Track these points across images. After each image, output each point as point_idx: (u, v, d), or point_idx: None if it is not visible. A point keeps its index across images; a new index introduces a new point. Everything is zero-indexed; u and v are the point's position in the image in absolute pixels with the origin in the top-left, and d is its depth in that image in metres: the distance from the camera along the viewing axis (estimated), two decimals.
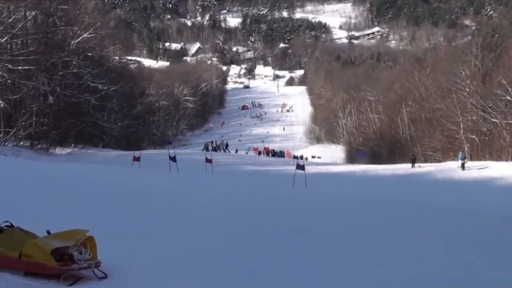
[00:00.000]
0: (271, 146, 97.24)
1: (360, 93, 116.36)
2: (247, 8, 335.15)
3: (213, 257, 9.30)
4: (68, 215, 11.65)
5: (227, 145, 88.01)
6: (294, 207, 18.70)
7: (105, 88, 59.09)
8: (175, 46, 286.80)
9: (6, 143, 43.63)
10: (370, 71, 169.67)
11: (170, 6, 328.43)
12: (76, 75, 54.97)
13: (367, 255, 10.56)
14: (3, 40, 45.89)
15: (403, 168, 50.39)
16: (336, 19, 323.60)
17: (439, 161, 59.65)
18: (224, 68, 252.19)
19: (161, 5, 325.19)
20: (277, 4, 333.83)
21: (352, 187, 33.47)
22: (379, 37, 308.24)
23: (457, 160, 47.97)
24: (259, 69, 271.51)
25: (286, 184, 29.26)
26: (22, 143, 45.98)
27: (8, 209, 9.84)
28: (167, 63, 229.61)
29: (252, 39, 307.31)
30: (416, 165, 50.55)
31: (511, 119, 55.36)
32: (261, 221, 14.51)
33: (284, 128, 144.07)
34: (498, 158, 53.63)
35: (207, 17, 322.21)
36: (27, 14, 50.43)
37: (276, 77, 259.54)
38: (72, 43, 54.64)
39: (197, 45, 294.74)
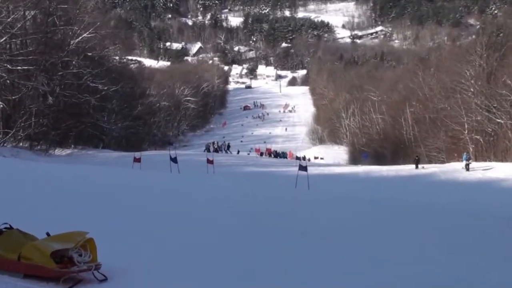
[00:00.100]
0: (273, 147, 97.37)
1: (363, 93, 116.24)
2: (248, 7, 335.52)
3: (214, 258, 9.31)
4: (67, 216, 11.67)
5: (228, 146, 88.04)
6: (296, 208, 18.71)
7: (105, 88, 59.13)
8: (176, 45, 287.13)
9: (5, 144, 43.65)
10: (373, 71, 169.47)
11: (171, 5, 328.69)
12: (76, 75, 55.03)
13: (369, 256, 10.58)
14: (2, 40, 45.92)
15: (407, 169, 50.33)
16: (339, 18, 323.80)
17: (443, 162, 59.58)
18: (226, 68, 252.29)
19: (162, 4, 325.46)
20: (279, 3, 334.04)
21: (355, 188, 33.45)
22: (382, 36, 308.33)
23: (462, 161, 47.93)
24: (261, 69, 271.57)
25: (288, 185, 29.27)
26: (21, 144, 45.99)
27: (7, 210, 9.85)
28: (168, 63, 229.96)
29: (254, 39, 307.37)
30: (420, 166, 50.51)
31: None
32: (263, 222, 14.52)
33: (286, 129, 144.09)
34: (503, 159, 53.55)
35: (208, 16, 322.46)
36: (26, 13, 50.46)
37: (278, 77, 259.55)
38: (71, 42, 54.70)
39: (198, 44, 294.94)
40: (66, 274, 7.02)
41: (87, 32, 55.34)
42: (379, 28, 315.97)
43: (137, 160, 36.61)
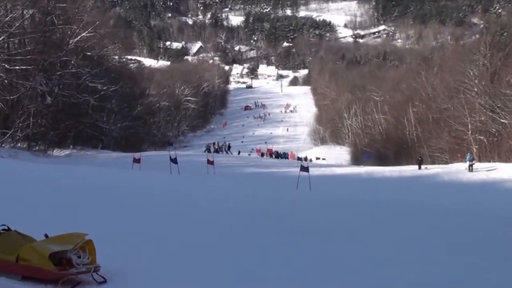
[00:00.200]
0: (275, 148, 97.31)
1: (366, 93, 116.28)
2: (249, 6, 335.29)
3: (214, 259, 9.32)
4: (66, 218, 11.67)
5: (229, 147, 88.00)
6: (297, 209, 18.70)
7: (105, 88, 59.15)
8: (176, 45, 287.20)
9: (3, 145, 43.62)
10: (376, 71, 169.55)
11: (171, 4, 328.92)
12: (75, 75, 55.03)
13: (371, 257, 10.58)
14: (0, 39, 45.97)
15: (410, 170, 50.35)
16: (341, 17, 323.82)
17: (446, 162, 59.60)
18: (226, 67, 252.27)
19: (161, 3, 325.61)
20: (280, 2, 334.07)
21: (358, 189, 33.45)
22: (385, 35, 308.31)
23: (465, 161, 47.95)
24: (262, 68, 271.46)
25: (289, 186, 29.27)
26: (19, 144, 45.98)
27: (5, 212, 9.86)
28: (168, 63, 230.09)
29: (255, 38, 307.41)
30: (423, 166, 50.52)
31: None
32: (264, 223, 14.52)
33: (287, 129, 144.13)
34: (507, 159, 53.55)
35: (208, 16, 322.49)
36: (25, 12, 50.48)
37: (280, 76, 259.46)
38: (70, 42, 54.71)
39: (198, 44, 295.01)
40: (64, 276, 7.02)
41: (86, 32, 55.35)
42: (381, 27, 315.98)
43: (137, 160, 36.59)
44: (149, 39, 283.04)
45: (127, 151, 57.71)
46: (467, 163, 46.59)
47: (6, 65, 45.86)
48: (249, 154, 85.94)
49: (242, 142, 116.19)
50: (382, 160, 77.17)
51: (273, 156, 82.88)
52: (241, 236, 12.22)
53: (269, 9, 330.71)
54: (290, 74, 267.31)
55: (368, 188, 35.13)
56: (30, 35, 50.58)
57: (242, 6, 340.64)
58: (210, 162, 37.87)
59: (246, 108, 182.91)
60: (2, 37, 46.08)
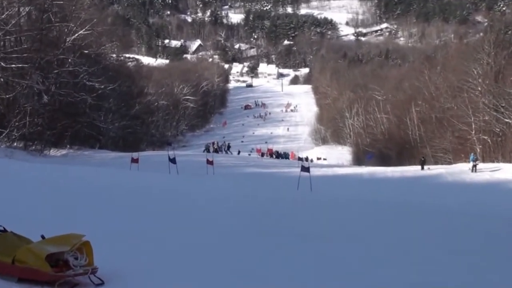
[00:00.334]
0: (275, 147, 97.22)
1: (368, 92, 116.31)
2: (249, 4, 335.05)
3: (214, 261, 9.32)
4: (63, 219, 11.68)
5: (229, 147, 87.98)
6: (298, 210, 18.72)
7: (102, 87, 59.16)
8: (175, 43, 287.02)
9: None
10: (378, 69, 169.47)
11: (170, 1, 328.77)
12: (72, 74, 55.02)
13: (372, 258, 10.59)
14: None
15: (412, 170, 50.36)
16: (343, 15, 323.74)
17: (449, 163, 59.61)
18: (226, 66, 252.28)
19: (160, 0, 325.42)
20: (281, 0, 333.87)
21: (359, 190, 33.45)
22: (387, 34, 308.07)
23: (469, 162, 47.96)
24: (262, 67, 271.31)
25: (290, 187, 29.27)
26: (15, 144, 45.95)
27: (0, 213, 9.86)
28: (167, 61, 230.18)
29: (255, 36, 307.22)
30: (425, 167, 50.53)
31: None
32: (264, 224, 14.53)
33: (288, 129, 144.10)
34: (511, 159, 53.56)
35: (208, 13, 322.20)
36: (21, 10, 50.49)
37: (280, 75, 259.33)
38: (67, 40, 54.71)
39: (197, 42, 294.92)
40: (61, 278, 7.02)
41: (84, 29, 55.36)
42: (384, 25, 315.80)
43: (135, 160, 36.59)
44: (147, 37, 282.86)
45: (125, 151, 57.69)
46: (471, 164, 46.60)
47: (2, 63, 45.91)
48: (249, 154, 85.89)
49: (242, 142, 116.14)
50: (384, 160, 77.19)
51: (274, 156, 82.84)
52: (240, 237, 12.24)
53: (269, 6, 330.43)
54: (291, 72, 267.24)
55: (370, 189, 35.12)
56: (27, 33, 50.61)
57: (242, 3, 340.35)
58: (210, 162, 37.86)
59: (246, 107, 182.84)
60: None
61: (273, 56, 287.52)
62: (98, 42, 64.06)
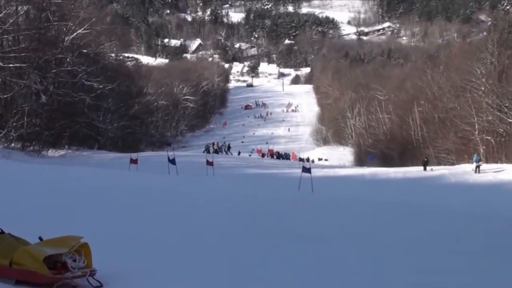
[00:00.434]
0: (276, 148, 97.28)
1: (370, 92, 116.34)
2: (250, 3, 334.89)
3: (213, 262, 9.31)
4: (61, 220, 11.67)
5: (229, 147, 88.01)
6: (299, 211, 18.71)
7: (101, 86, 59.19)
8: (175, 42, 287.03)
9: None
10: (380, 69, 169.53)
11: (169, 0, 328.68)
12: (70, 73, 55.03)
13: (374, 260, 10.59)
14: None
15: (415, 171, 50.35)
16: (344, 14, 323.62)
17: (452, 163, 59.62)
18: (226, 65, 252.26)
19: None
20: None
21: (361, 191, 33.44)
22: (389, 33, 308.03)
23: (472, 162, 47.95)
24: (263, 66, 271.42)
25: (291, 187, 29.25)
26: (13, 144, 45.97)
27: None
28: (166, 61, 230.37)
29: (256, 35, 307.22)
30: (428, 168, 50.51)
31: None
32: (265, 225, 14.52)
33: (289, 129, 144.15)
34: None
35: (208, 12, 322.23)
36: (19, 8, 50.52)
37: (281, 75, 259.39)
38: (66, 39, 54.73)
39: (197, 41, 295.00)
40: (59, 280, 7.01)
41: (82, 28, 55.40)
42: (386, 24, 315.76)
43: (134, 161, 36.59)
44: (146, 36, 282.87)
45: (124, 152, 57.76)
46: (474, 164, 46.61)
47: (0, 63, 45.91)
48: (250, 155, 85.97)
49: (243, 142, 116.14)
50: (386, 161, 77.20)
51: (274, 157, 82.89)
52: (241, 238, 12.25)
53: (270, 5, 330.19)
54: (292, 72, 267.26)
55: (372, 190, 35.12)
56: (25, 32, 50.63)
57: (243, 2, 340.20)
58: (210, 163, 37.86)
59: (247, 107, 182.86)
60: None
61: (274, 55, 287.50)
62: (97, 41, 64.12)
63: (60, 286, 7.03)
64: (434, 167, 52.53)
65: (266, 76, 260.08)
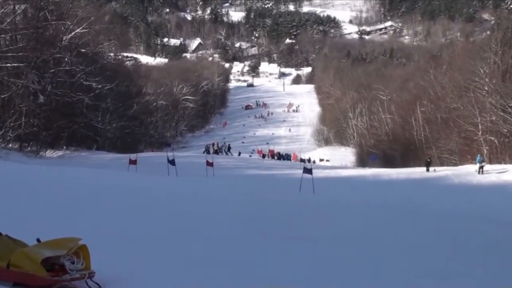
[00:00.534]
0: (277, 149, 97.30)
1: (372, 92, 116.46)
2: (251, 1, 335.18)
3: (213, 265, 9.32)
4: (59, 222, 11.67)
5: (229, 148, 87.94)
6: (300, 213, 18.70)
7: (99, 86, 59.20)
8: (174, 41, 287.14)
9: None
10: (382, 69, 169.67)
11: None
12: (69, 73, 55.03)
13: (376, 263, 10.59)
14: None
15: (418, 172, 50.31)
16: (346, 13, 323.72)
17: (455, 164, 59.53)
18: (227, 65, 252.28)
19: None
20: None
21: (363, 192, 33.43)
22: (392, 32, 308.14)
23: (475, 163, 47.88)
24: (264, 66, 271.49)
25: (292, 189, 29.24)
26: (10, 145, 45.96)
27: None
28: (166, 60, 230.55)
29: (256, 35, 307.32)
30: (431, 168, 50.46)
31: None
32: (265, 227, 14.52)
33: (290, 129, 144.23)
34: None
35: (208, 11, 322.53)
36: (16, 7, 50.44)
37: (282, 75, 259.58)
38: (64, 38, 54.72)
39: (197, 40, 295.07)
40: (57, 282, 7.01)
41: (81, 28, 55.37)
42: (388, 23, 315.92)
43: (133, 162, 36.58)
44: (146, 35, 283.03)
45: (123, 152, 57.77)
46: (477, 165, 46.52)
47: None
48: (250, 156, 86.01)
49: (243, 143, 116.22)
50: (388, 161, 77.21)
51: (275, 158, 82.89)
52: (241, 240, 12.26)
53: (271, 4, 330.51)
54: (293, 72, 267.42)
55: (374, 191, 35.11)
56: (22, 31, 50.54)
57: (243, 1, 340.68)
58: (210, 164, 37.85)
59: (247, 107, 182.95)
60: None
61: (274, 55, 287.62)
62: (96, 41, 64.12)
63: None
64: (437, 168, 52.45)
65: (266, 76, 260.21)
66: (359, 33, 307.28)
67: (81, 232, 7.91)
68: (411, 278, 9.49)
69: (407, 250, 12.63)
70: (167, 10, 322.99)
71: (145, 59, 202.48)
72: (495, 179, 43.10)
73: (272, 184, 36.22)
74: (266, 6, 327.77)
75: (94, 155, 53.92)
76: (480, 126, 59.86)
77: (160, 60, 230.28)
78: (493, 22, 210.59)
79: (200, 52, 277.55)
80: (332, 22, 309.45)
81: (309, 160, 77.20)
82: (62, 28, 54.94)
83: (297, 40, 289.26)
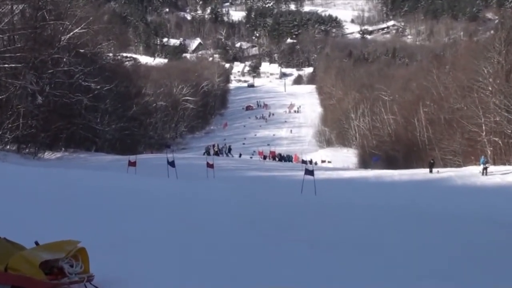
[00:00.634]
0: (278, 150, 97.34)
1: (374, 92, 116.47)
2: (251, 1, 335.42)
3: (213, 268, 9.32)
4: (58, 224, 11.67)
5: (230, 149, 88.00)
6: (302, 215, 18.68)
7: (98, 87, 59.19)
8: (174, 41, 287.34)
9: None
10: (385, 69, 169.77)
11: None
12: (67, 74, 55.04)
13: (379, 266, 10.58)
14: None
15: (421, 173, 50.30)
16: (348, 12, 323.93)
17: (459, 165, 59.49)
18: (227, 65, 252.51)
19: None
20: None
21: (366, 194, 33.41)
22: (394, 31, 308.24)
23: (479, 164, 47.85)
24: (265, 66, 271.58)
25: (293, 190, 29.25)
26: (8, 147, 45.95)
27: None
28: (165, 60, 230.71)
29: (257, 34, 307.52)
30: (434, 170, 50.45)
31: None
32: (267, 230, 14.51)
33: (291, 131, 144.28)
34: None
35: (208, 11, 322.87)
36: (14, 7, 50.45)
37: (283, 75, 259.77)
38: (62, 38, 54.72)
39: (197, 40, 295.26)
40: (56, 286, 7.00)
41: (79, 28, 55.37)
42: (390, 22, 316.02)
43: (132, 164, 36.54)
44: (145, 35, 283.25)
45: (122, 154, 57.76)
46: (481, 166, 46.46)
47: None
48: (251, 157, 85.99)
49: (244, 144, 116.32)
50: (391, 163, 77.17)
51: (276, 159, 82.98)
52: (242, 242, 12.25)
53: (272, 3, 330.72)
54: (294, 72, 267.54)
55: (377, 193, 35.08)
56: (20, 32, 50.53)
57: (244, 0, 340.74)
58: (210, 165, 37.88)
59: (248, 108, 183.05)
60: None
61: (275, 55, 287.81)
62: (94, 41, 64.11)
63: None
64: (440, 169, 52.43)
65: (267, 76, 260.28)
66: (361, 32, 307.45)
67: (80, 234, 7.91)
68: (414, 280, 9.49)
69: (410, 252, 12.63)
70: (167, 9, 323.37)
71: (144, 59, 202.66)
72: (499, 180, 43.05)
73: (273, 185, 36.23)
74: (267, 6, 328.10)
75: (93, 156, 53.93)
76: (484, 127, 59.82)
77: (160, 61, 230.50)
78: (497, 21, 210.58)
79: (200, 52, 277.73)
80: (334, 22, 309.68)
81: (310, 162, 77.20)
82: (61, 28, 54.95)
83: (299, 40, 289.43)
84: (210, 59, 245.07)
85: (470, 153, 60.41)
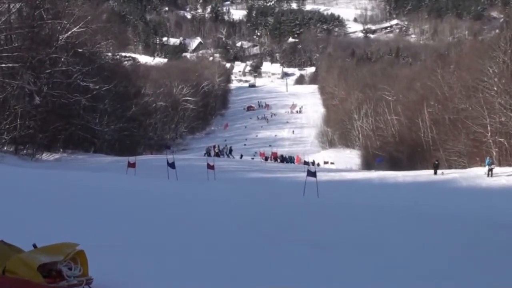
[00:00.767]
0: (280, 151, 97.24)
1: (377, 92, 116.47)
2: None
3: (214, 271, 9.30)
4: (56, 226, 11.66)
5: (231, 150, 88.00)
6: (304, 217, 18.70)
7: (97, 87, 59.19)
8: (174, 41, 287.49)
9: None
10: (388, 68, 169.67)
11: None
12: (65, 73, 55.04)
13: (382, 269, 10.58)
14: None
15: (425, 175, 50.28)
16: (351, 11, 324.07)
17: (464, 167, 59.48)
18: (228, 65, 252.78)
19: None
20: None
21: (369, 195, 33.43)
22: (398, 30, 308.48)
23: (484, 166, 47.82)
24: (266, 66, 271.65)
25: (296, 192, 29.26)
26: (5, 148, 45.98)
27: None
28: (165, 60, 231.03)
29: (258, 33, 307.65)
30: (439, 171, 50.44)
31: None
32: (269, 232, 14.51)
33: (293, 131, 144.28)
34: None
35: (208, 9, 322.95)
36: (11, 6, 50.45)
37: (285, 75, 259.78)
38: (60, 38, 54.73)
39: (197, 40, 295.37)
40: None
41: (77, 27, 55.40)
42: (394, 21, 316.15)
43: (132, 165, 36.58)
44: (144, 34, 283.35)
45: (121, 155, 57.77)
46: (486, 168, 46.45)
47: None
48: (252, 158, 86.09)
49: (245, 145, 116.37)
50: (395, 164, 77.19)
51: (278, 160, 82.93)
52: (243, 244, 12.25)
53: (273, 2, 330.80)
54: (296, 72, 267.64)
55: (381, 195, 35.10)
56: (17, 31, 50.52)
57: None
58: (211, 167, 37.90)
59: (249, 108, 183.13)
60: None
61: (277, 54, 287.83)
62: (93, 40, 64.13)
63: None
64: (445, 171, 52.44)
65: (269, 76, 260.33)
66: (364, 31, 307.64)
67: (79, 236, 7.90)
68: (414, 280, 9.49)
69: (410, 252, 12.66)
70: (166, 8, 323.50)
71: (143, 59, 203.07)
72: (505, 182, 43.04)
73: (275, 187, 36.24)
74: (268, 4, 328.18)
75: (91, 158, 53.95)
76: (489, 128, 59.78)
77: (159, 60, 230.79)
78: (502, 20, 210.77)
79: (201, 51, 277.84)
80: (336, 21, 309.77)
81: (313, 163, 77.18)
82: (58, 27, 54.95)
83: (300, 39, 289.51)
84: (211, 58, 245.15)
85: (475, 154, 60.35)
